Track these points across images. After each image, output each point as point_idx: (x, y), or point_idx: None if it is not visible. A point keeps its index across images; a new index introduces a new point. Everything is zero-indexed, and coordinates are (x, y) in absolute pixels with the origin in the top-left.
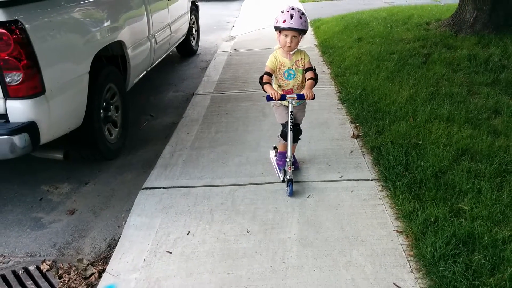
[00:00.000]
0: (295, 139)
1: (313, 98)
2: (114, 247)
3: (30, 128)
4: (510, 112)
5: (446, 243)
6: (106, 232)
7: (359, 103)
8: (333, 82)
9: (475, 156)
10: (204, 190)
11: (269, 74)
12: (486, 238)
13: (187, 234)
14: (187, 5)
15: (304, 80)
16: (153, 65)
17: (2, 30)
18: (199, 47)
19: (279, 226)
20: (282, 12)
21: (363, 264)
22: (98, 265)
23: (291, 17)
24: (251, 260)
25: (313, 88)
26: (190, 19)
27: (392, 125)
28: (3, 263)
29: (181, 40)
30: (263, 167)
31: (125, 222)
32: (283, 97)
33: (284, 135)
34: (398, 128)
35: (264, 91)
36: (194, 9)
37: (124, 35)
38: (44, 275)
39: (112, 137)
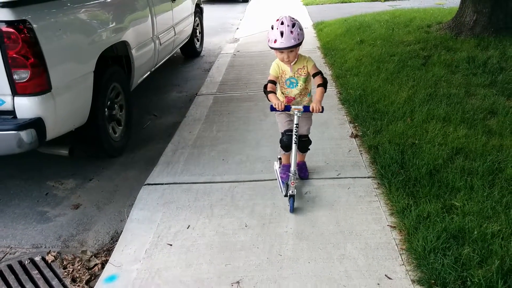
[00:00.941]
0: (304, 149)
1: (321, 111)
2: (116, 240)
3: (37, 124)
4: (505, 113)
5: (437, 237)
6: (109, 226)
7: (358, 103)
8: (334, 83)
9: (469, 155)
10: (204, 186)
11: (273, 82)
12: (476, 232)
13: (187, 228)
14: (191, 7)
15: (308, 87)
16: (157, 66)
17: (11, 29)
18: (203, 49)
19: (277, 221)
20: (272, 28)
21: (357, 257)
22: (101, 256)
23: (281, 35)
24: (249, 252)
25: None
26: (194, 21)
27: (390, 125)
28: (10, 254)
29: (185, 41)
30: (262, 165)
31: (128, 216)
32: (287, 108)
33: (283, 145)
34: (395, 128)
35: (268, 100)
36: (199, 11)
37: (128, 35)
38: (49, 266)
39: (116, 135)
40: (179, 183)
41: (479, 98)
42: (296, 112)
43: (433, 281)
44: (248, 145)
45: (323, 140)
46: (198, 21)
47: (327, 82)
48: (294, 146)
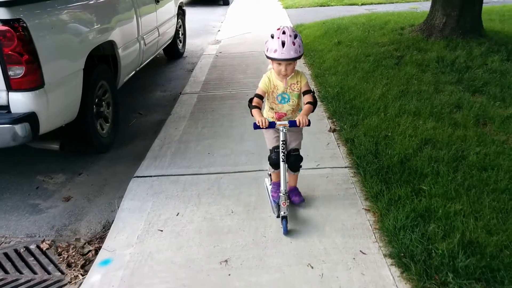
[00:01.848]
0: (294, 168)
1: (308, 125)
2: (108, 229)
3: (30, 118)
4: (470, 107)
5: (406, 217)
6: (100, 216)
7: (336, 100)
8: (313, 82)
9: (436, 145)
10: (192, 177)
11: (260, 97)
12: (440, 211)
13: (177, 215)
14: (174, 9)
15: (300, 103)
16: (142, 65)
17: (6, 28)
18: (186, 50)
19: (261, 207)
20: (272, 37)
21: (334, 236)
22: (94, 243)
23: (283, 45)
24: (235, 235)
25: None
26: (177, 23)
27: (365, 119)
28: (5, 243)
29: (168, 42)
30: (246, 157)
31: (118, 207)
32: (272, 125)
33: (272, 163)
34: (370, 122)
35: (252, 115)
36: (181, 13)
37: (115, 35)
38: (44, 253)
39: (104, 131)
40: (167, 175)
41: (446, 94)
42: (281, 128)
43: (402, 254)
44: (232, 140)
45: (303, 134)
46: (180, 23)
47: (316, 102)
48: (282, 164)
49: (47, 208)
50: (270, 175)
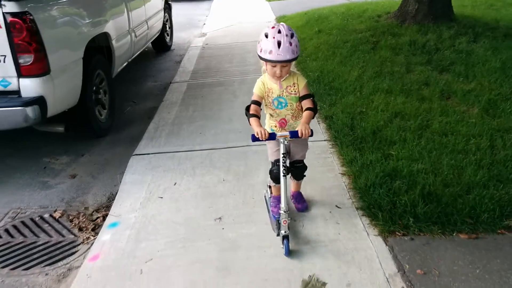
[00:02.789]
0: (299, 177)
1: (311, 135)
2: (113, 199)
3: (39, 101)
4: (436, 83)
5: (376, 176)
6: (105, 189)
7: (317, 83)
8: (295, 68)
9: (404, 117)
10: (186, 154)
11: (257, 104)
12: (405, 171)
13: (174, 185)
14: (161, 4)
15: (301, 108)
16: (133, 56)
17: (16, 19)
18: (173, 43)
19: (249, 175)
20: (267, 36)
21: (314, 195)
22: (102, 211)
23: (279, 45)
24: (227, 198)
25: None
26: (164, 17)
27: (343, 98)
28: (21, 213)
29: (157, 35)
30: (235, 135)
31: (121, 181)
32: (272, 137)
33: (273, 177)
34: (347, 100)
35: (250, 124)
36: (168, 8)
37: (109, 28)
38: (57, 220)
39: (102, 117)
40: (164, 152)
41: (416, 73)
42: (282, 140)
43: (372, 206)
44: (221, 121)
45: None
46: (167, 17)
47: (317, 107)
48: (283, 180)
49: (55, 184)
50: (270, 187)
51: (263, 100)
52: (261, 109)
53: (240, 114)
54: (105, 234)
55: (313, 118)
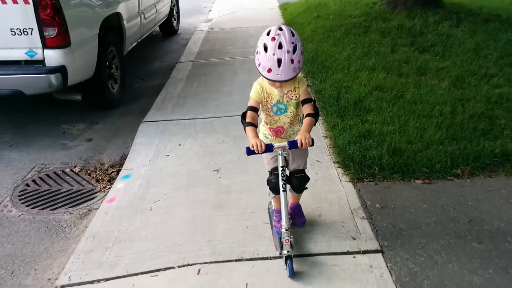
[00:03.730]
0: (299, 189)
1: (312, 145)
2: (125, 158)
3: (62, 70)
4: (415, 62)
5: (352, 136)
6: (118, 150)
7: (311, 63)
8: None
9: (383, 89)
10: (189, 121)
11: (254, 110)
12: (377, 132)
13: (179, 145)
14: None
15: (299, 114)
16: (142, 37)
17: None
18: (180, 28)
19: (245, 138)
20: (266, 50)
21: None
22: (116, 167)
23: (279, 64)
24: (225, 155)
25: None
26: (171, 2)
27: (332, 75)
28: (46, 168)
29: (164, 19)
30: (234, 106)
31: (132, 143)
32: (269, 148)
33: (271, 187)
34: (336, 77)
35: (245, 132)
36: None
37: (121, 8)
38: (77, 174)
39: (114, 90)
40: (170, 120)
41: (399, 53)
42: (280, 152)
43: (346, 159)
44: (222, 95)
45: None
46: (174, 2)
47: (319, 113)
48: (283, 195)
49: (74, 146)
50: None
51: (260, 105)
52: (258, 115)
53: (239, 89)
54: (119, 183)
55: (314, 125)
